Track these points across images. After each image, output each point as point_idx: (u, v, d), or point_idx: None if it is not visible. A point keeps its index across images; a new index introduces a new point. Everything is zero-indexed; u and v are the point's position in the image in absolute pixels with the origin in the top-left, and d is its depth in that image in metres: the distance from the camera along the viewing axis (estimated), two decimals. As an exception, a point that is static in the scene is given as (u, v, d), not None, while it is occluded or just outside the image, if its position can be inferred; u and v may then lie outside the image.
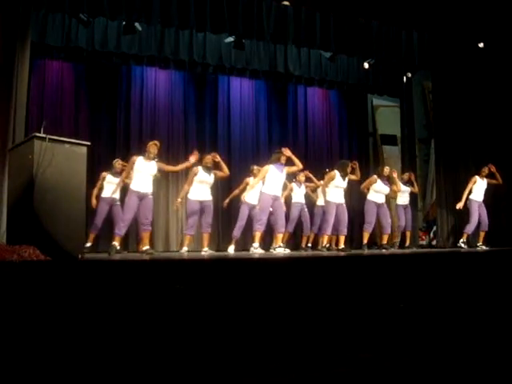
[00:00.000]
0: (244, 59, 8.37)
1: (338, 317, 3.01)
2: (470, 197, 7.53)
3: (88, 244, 6.71)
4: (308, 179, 8.01)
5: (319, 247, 7.16)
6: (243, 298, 3.16)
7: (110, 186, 6.74)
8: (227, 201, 7.53)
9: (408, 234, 8.17)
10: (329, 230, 6.89)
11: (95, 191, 6.86)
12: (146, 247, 5.90)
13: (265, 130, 9.21)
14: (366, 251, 7.08)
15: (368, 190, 7.46)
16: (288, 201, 7.61)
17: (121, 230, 5.94)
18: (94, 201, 6.84)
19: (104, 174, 6.90)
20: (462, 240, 7.55)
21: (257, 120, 9.15)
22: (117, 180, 6.60)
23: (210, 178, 6.64)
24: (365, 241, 7.38)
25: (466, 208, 7.56)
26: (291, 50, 8.58)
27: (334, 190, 6.85)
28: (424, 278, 3.94)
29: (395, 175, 7.66)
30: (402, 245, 8.15)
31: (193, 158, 6.32)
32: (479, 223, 7.53)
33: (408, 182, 8.21)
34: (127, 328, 2.60)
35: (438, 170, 8.97)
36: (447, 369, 1.96)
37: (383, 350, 2.28)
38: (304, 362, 2.07)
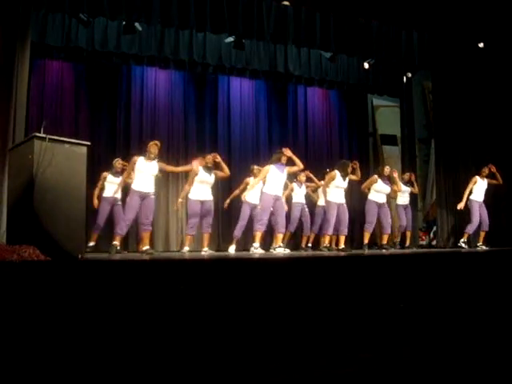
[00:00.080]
0: (244, 59, 8.36)
1: (337, 317, 3.01)
2: (471, 197, 7.53)
3: (91, 243, 6.78)
4: (309, 179, 8.01)
5: (321, 247, 7.15)
6: (243, 298, 3.16)
7: (111, 185, 6.75)
8: (228, 201, 7.52)
9: (408, 233, 8.17)
10: (330, 230, 6.90)
11: (96, 191, 6.86)
12: (146, 247, 5.91)
13: (265, 129, 9.21)
14: (366, 251, 7.08)
15: (369, 189, 7.45)
16: (288, 200, 7.61)
17: (122, 229, 5.96)
18: (95, 201, 6.85)
19: (105, 174, 6.90)
20: (462, 240, 7.55)
21: (257, 120, 9.15)
22: (117, 180, 6.64)
23: (210, 178, 6.65)
24: (366, 241, 7.38)
25: (467, 208, 7.56)
26: (291, 50, 8.58)
27: (335, 190, 6.85)
28: (424, 278, 3.94)
29: (396, 175, 7.65)
30: (401, 245, 8.15)
31: (196, 164, 6.37)
32: (480, 223, 7.53)
33: (408, 183, 8.20)
34: (127, 328, 2.60)
35: (438, 170, 8.97)
36: (447, 368, 1.96)
37: (383, 349, 2.28)
38: (304, 362, 2.07)
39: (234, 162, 8.55)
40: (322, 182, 7.50)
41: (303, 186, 7.90)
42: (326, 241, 7.00)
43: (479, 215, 7.49)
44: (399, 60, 8.11)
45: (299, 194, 7.83)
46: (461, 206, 7.49)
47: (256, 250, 6.24)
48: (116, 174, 6.80)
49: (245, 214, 7.08)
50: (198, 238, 7.28)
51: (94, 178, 6.76)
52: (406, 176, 8.29)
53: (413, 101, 9.89)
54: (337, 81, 9.22)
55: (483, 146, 8.36)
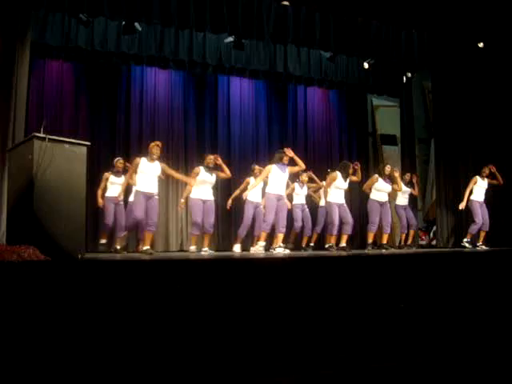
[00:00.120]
0: (244, 59, 8.36)
1: (337, 317, 3.01)
2: (471, 197, 7.54)
3: (103, 241, 7.02)
4: (311, 180, 8.02)
5: (326, 246, 7.13)
6: (243, 298, 3.16)
7: (113, 185, 6.83)
8: (230, 202, 7.51)
9: (412, 233, 8.17)
10: (335, 231, 6.90)
11: (100, 192, 6.90)
12: (146, 247, 5.91)
13: (264, 129, 9.21)
14: (368, 251, 7.07)
15: (370, 189, 7.44)
16: (289, 200, 7.62)
17: (123, 229, 5.98)
18: (100, 200, 6.91)
19: (106, 174, 6.93)
20: (465, 240, 7.56)
21: (257, 120, 9.15)
22: (119, 179, 6.76)
23: (211, 178, 6.70)
24: (370, 240, 7.38)
25: (467, 208, 7.57)
26: (291, 50, 8.57)
27: (335, 190, 6.85)
28: (424, 278, 3.94)
29: (397, 174, 7.64)
30: (410, 245, 8.14)
31: (194, 182, 6.44)
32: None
33: (409, 183, 8.19)
34: (127, 328, 2.60)
35: (438, 170, 8.96)
36: (448, 367, 1.96)
37: (383, 349, 2.28)
38: (304, 362, 2.07)
39: (234, 162, 8.54)
40: (324, 183, 7.51)
41: (305, 187, 7.90)
42: (331, 240, 6.98)
43: (481, 215, 7.51)
44: (399, 60, 8.11)
45: (300, 195, 7.84)
46: (462, 206, 7.49)
47: (261, 249, 6.34)
48: (117, 173, 6.85)
49: (248, 213, 7.09)
50: (198, 238, 7.27)
51: (94, 178, 6.77)
52: (408, 176, 8.27)
53: (412, 101, 9.88)
54: (336, 81, 9.22)
55: (483, 146, 8.36)
